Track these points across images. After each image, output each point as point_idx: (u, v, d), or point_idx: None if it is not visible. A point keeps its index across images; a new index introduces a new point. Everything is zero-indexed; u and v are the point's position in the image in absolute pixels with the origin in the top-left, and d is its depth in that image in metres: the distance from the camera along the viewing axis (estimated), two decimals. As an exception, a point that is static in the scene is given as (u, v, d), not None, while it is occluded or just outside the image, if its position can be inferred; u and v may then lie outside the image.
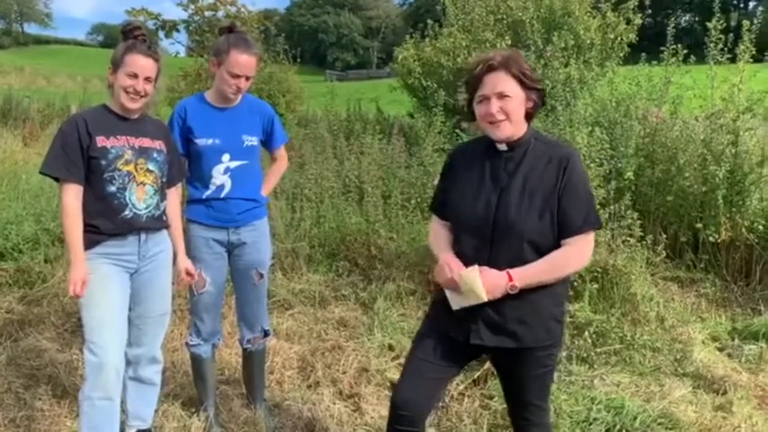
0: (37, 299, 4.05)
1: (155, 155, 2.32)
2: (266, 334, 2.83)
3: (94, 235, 2.22)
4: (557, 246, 1.79)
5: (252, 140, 2.59)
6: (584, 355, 3.30)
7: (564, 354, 3.18)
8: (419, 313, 3.93)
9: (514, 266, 1.75)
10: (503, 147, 1.84)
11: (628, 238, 3.82)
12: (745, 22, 4.47)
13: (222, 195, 2.55)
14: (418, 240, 4.64)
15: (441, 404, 2.88)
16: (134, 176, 2.26)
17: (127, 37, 2.27)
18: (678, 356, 3.35)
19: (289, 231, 4.86)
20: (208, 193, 2.55)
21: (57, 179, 2.22)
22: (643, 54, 5.53)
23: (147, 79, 2.25)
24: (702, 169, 4.41)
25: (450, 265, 1.82)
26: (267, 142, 2.73)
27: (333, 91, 9.60)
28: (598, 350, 3.32)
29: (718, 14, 4.66)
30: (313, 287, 4.31)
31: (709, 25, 4.62)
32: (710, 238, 4.22)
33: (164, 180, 2.37)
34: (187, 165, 2.59)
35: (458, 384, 3.01)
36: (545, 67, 5.91)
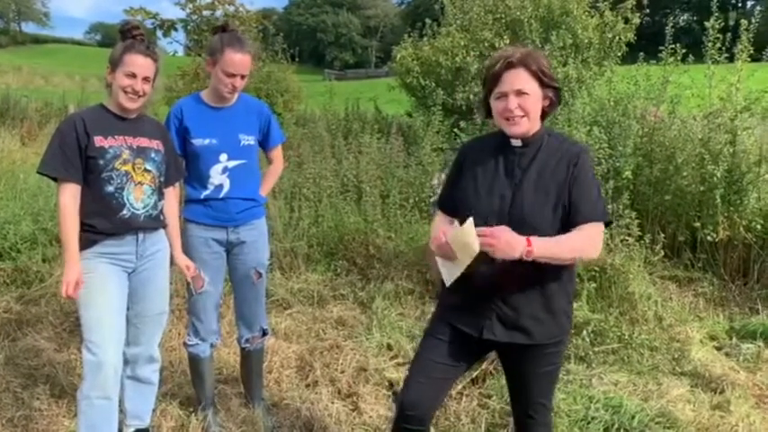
0: (35, 298, 4.05)
1: (152, 155, 2.32)
2: (265, 333, 2.82)
3: (92, 234, 2.21)
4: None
5: (249, 140, 2.59)
6: (583, 354, 3.31)
7: (562, 352, 3.19)
8: (417, 312, 3.93)
9: (529, 264, 1.74)
10: (517, 143, 1.85)
11: (626, 238, 3.82)
12: (743, 22, 4.47)
13: (221, 195, 2.55)
14: (416, 240, 4.64)
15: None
16: (132, 176, 2.25)
17: (125, 36, 2.27)
18: (676, 355, 3.35)
19: (287, 231, 4.86)
20: (206, 193, 2.55)
21: (54, 179, 2.21)
22: (641, 53, 5.54)
23: (146, 79, 2.25)
24: (700, 168, 4.41)
25: (443, 230, 1.82)
26: (264, 142, 2.72)
27: (331, 90, 9.61)
28: (596, 349, 3.33)
29: (717, 14, 4.66)
30: (311, 286, 4.31)
31: (708, 25, 4.62)
32: (708, 238, 4.22)
33: (161, 180, 2.37)
34: (184, 165, 2.59)
35: (456, 383, 3.01)
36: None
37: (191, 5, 8.61)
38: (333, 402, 2.91)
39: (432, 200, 4.86)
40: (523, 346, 1.85)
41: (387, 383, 3.11)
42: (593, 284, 3.62)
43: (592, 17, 7.93)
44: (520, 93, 1.77)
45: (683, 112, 4.97)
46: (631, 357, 3.31)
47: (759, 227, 4.20)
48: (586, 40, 7.64)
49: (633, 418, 2.70)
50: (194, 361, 2.71)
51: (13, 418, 2.72)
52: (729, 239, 4.28)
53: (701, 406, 2.88)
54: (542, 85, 1.80)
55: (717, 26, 4.58)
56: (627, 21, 7.82)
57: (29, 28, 77.91)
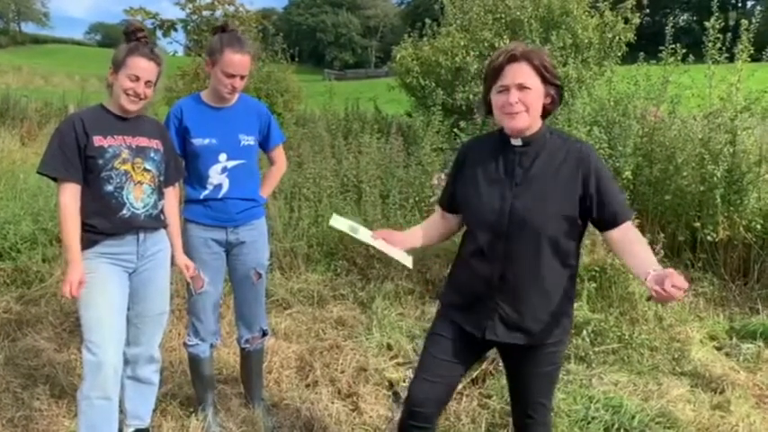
0: (35, 298, 4.04)
1: (152, 154, 2.32)
2: (264, 334, 2.82)
3: (93, 234, 2.22)
4: (572, 240, 1.80)
5: (248, 140, 2.59)
6: (583, 354, 3.31)
7: (563, 352, 3.19)
8: (417, 312, 3.93)
9: (529, 261, 1.77)
10: (517, 142, 1.82)
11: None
12: (744, 22, 4.47)
13: (220, 195, 2.55)
14: (416, 240, 4.63)
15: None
16: (131, 176, 2.25)
17: (129, 38, 2.27)
18: (676, 355, 3.35)
19: (287, 231, 4.85)
20: (206, 193, 2.55)
21: (55, 179, 2.21)
22: (641, 53, 5.54)
23: (148, 83, 2.25)
24: (700, 168, 4.41)
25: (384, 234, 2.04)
26: (264, 142, 2.72)
27: (331, 90, 9.60)
28: (596, 349, 3.33)
29: (717, 14, 4.66)
30: (311, 286, 4.31)
31: (708, 25, 4.62)
32: (708, 238, 4.22)
33: (161, 179, 2.37)
34: (184, 165, 2.59)
35: (461, 381, 3.01)
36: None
37: (190, 6, 8.61)
38: (333, 402, 2.91)
39: (432, 200, 4.86)
40: (525, 347, 1.85)
41: (387, 383, 3.11)
42: (594, 284, 3.62)
43: (592, 17, 7.92)
44: (521, 87, 1.74)
45: (683, 112, 4.96)
46: (631, 357, 3.31)
47: (759, 227, 4.20)
48: (586, 40, 7.64)
49: (633, 418, 2.70)
50: (194, 361, 2.71)
51: (14, 419, 2.72)
52: (729, 239, 4.28)
53: (702, 406, 2.88)
54: (544, 81, 1.77)
55: (717, 26, 4.58)
56: (627, 21, 7.81)
57: (29, 28, 78.00)
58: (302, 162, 5.80)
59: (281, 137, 2.80)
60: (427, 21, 9.20)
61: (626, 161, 4.49)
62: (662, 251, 3.95)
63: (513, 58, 1.75)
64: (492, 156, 1.87)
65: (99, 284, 2.21)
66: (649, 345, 3.38)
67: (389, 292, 4.14)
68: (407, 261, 2.04)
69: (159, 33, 8.53)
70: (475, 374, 3.07)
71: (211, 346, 2.74)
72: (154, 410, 2.60)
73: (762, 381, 3.16)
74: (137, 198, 2.27)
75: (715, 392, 3.02)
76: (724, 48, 4.62)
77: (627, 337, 3.38)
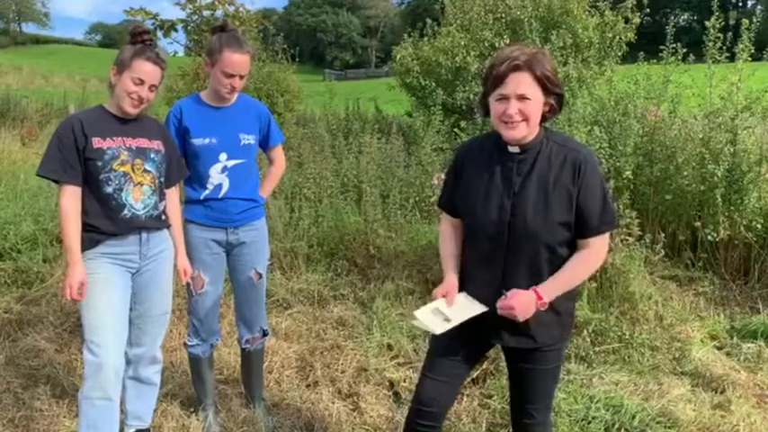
0: (35, 299, 4.05)
1: (152, 155, 2.32)
2: (265, 334, 2.82)
3: (96, 234, 2.22)
4: (572, 243, 1.80)
5: (248, 139, 2.59)
6: (583, 353, 3.31)
7: (564, 351, 3.19)
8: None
9: (532, 269, 1.77)
10: (515, 149, 1.81)
11: (626, 237, 3.82)
12: (745, 21, 4.47)
13: (220, 195, 2.55)
14: (417, 240, 4.64)
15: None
16: (131, 177, 2.25)
17: (134, 39, 2.26)
18: (677, 355, 3.35)
19: (287, 231, 4.85)
20: (206, 193, 2.55)
21: (55, 181, 2.21)
22: (641, 53, 5.53)
23: (152, 87, 2.25)
24: (701, 168, 4.41)
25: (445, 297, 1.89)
26: (263, 142, 2.72)
27: (331, 90, 9.60)
28: (597, 349, 3.33)
29: (717, 13, 4.66)
30: (312, 286, 4.30)
31: (708, 24, 4.62)
32: (709, 237, 4.22)
33: (162, 180, 2.37)
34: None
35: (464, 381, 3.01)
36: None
37: (191, 6, 8.60)
38: (333, 402, 2.91)
39: (432, 199, 4.86)
40: (529, 349, 1.86)
41: (387, 383, 3.11)
42: (594, 284, 3.62)
43: (592, 17, 7.92)
44: (522, 97, 1.72)
45: (683, 112, 4.96)
46: (632, 357, 3.30)
47: (759, 226, 4.19)
48: (587, 40, 7.64)
49: (634, 417, 2.70)
50: (195, 361, 2.72)
51: (14, 419, 2.73)
52: (730, 239, 4.27)
53: (702, 405, 2.87)
54: (546, 91, 1.75)
55: (717, 25, 4.57)
56: (627, 20, 7.81)
57: (29, 28, 78.08)
58: (303, 162, 5.81)
59: (280, 137, 2.80)
60: (428, 20, 9.20)
61: (626, 161, 4.49)
62: (662, 251, 3.95)
63: (516, 68, 1.71)
64: (489, 162, 1.85)
65: (101, 285, 2.21)
66: (650, 344, 3.38)
67: (390, 292, 4.14)
68: (480, 308, 1.86)
69: (159, 33, 8.51)
70: (476, 374, 3.07)
71: (212, 346, 2.74)
72: (154, 411, 2.60)
73: (762, 380, 3.16)
74: (136, 199, 2.27)
75: (716, 392, 3.01)
76: (724, 47, 4.62)
77: (627, 336, 3.37)
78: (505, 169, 1.82)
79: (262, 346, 2.86)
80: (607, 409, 2.76)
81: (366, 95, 12.56)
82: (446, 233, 2.02)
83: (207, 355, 2.71)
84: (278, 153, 2.82)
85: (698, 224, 4.34)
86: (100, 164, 2.20)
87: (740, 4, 52.53)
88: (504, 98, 1.74)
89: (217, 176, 2.53)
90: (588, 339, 3.36)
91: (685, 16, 50.17)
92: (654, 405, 2.82)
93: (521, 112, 1.73)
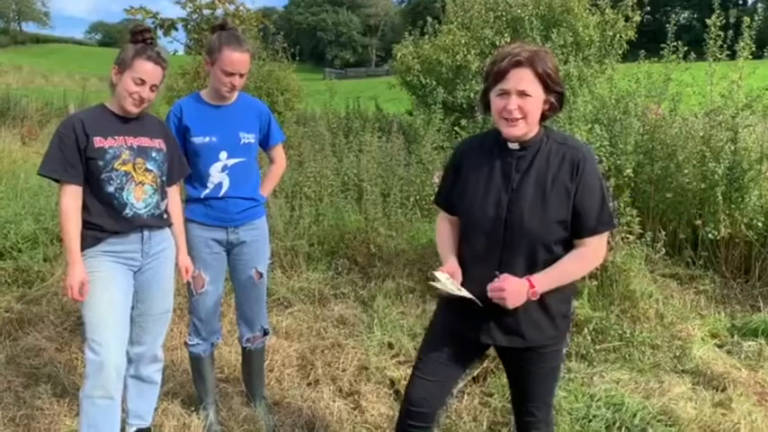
0: (36, 298, 4.05)
1: (153, 154, 2.32)
2: (266, 333, 2.82)
3: (98, 232, 2.22)
4: (569, 245, 1.79)
5: (249, 138, 2.59)
6: (584, 352, 3.31)
7: (563, 351, 3.19)
8: (418, 311, 3.93)
9: (528, 267, 1.76)
10: (514, 146, 1.81)
11: (627, 236, 3.82)
12: (746, 19, 4.46)
13: (221, 194, 2.55)
14: (417, 238, 4.64)
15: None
16: (132, 176, 2.25)
17: (135, 38, 2.26)
18: (677, 353, 3.35)
19: (288, 229, 4.85)
20: (206, 192, 2.55)
21: (56, 180, 2.21)
22: (642, 51, 5.53)
23: (153, 87, 2.25)
24: (701, 166, 4.40)
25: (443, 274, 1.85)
26: (264, 141, 2.72)
27: (331, 89, 9.60)
28: (597, 347, 3.33)
29: (718, 11, 4.65)
30: (312, 285, 4.31)
31: (709, 22, 4.61)
32: (710, 235, 4.22)
33: (163, 179, 2.37)
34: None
35: (458, 382, 3.01)
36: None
37: (191, 4, 8.59)
38: (334, 401, 2.91)
39: (432, 198, 4.86)
40: (523, 348, 1.85)
41: (388, 382, 3.11)
42: (594, 282, 3.62)
43: (593, 15, 7.92)
44: (522, 94, 1.72)
45: (684, 110, 4.96)
46: (633, 355, 3.30)
47: (760, 224, 4.19)
48: (587, 38, 7.63)
49: (634, 415, 2.70)
50: (195, 360, 2.72)
51: (15, 418, 2.73)
52: (731, 237, 4.27)
53: (703, 404, 2.87)
54: (546, 89, 1.75)
55: (718, 23, 4.57)
56: (627, 19, 7.81)
57: (29, 28, 78.11)
58: (303, 161, 5.81)
59: (281, 136, 2.80)
60: (428, 19, 9.20)
61: (627, 159, 4.49)
62: (663, 249, 3.95)
63: (517, 64, 1.72)
64: (489, 159, 1.85)
65: (102, 283, 2.21)
66: (650, 342, 3.38)
67: (390, 291, 4.14)
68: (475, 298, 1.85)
69: (160, 32, 8.50)
70: (476, 373, 3.07)
71: (212, 345, 2.74)
72: (155, 410, 2.61)
73: (763, 378, 3.16)
74: (138, 198, 2.27)
75: (716, 390, 3.01)
76: (725, 45, 4.61)
77: (628, 334, 3.37)
78: (505, 165, 1.82)
79: (262, 345, 2.86)
80: (608, 408, 2.76)
81: (366, 94, 12.55)
82: (443, 230, 2.01)
83: (208, 354, 2.71)
84: (278, 152, 2.82)
85: (698, 222, 4.34)
86: (101, 163, 2.20)
87: (740, 2, 52.45)
88: (505, 93, 1.74)
89: (217, 175, 2.53)
90: (589, 337, 3.36)
91: (686, 14, 50.12)
92: (655, 403, 2.82)
93: (520, 108, 1.73)
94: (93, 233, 2.21)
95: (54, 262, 4.44)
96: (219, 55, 2.42)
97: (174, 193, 2.49)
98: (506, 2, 8.12)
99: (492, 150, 1.86)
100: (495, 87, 1.77)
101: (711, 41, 4.60)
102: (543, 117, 1.82)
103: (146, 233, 2.31)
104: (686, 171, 4.44)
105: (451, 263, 1.88)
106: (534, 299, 1.74)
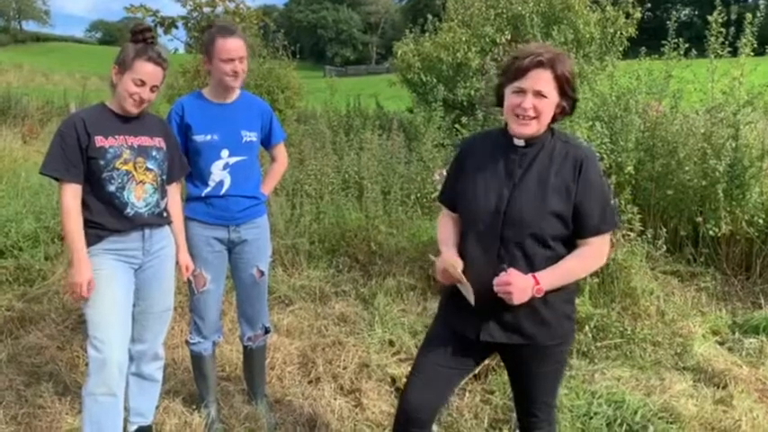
0: (37, 296, 4.05)
1: (154, 153, 2.32)
2: (267, 331, 2.83)
3: (99, 231, 2.22)
4: (567, 242, 1.79)
5: (250, 136, 2.59)
6: (585, 349, 3.31)
7: (566, 353, 3.19)
8: (419, 308, 3.93)
9: (527, 265, 1.75)
10: (520, 142, 1.82)
11: (628, 233, 3.81)
12: (748, 15, 4.45)
13: (222, 193, 2.55)
14: (418, 236, 4.64)
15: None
16: (133, 175, 2.25)
17: (136, 38, 2.25)
18: (678, 350, 3.35)
19: (289, 227, 4.86)
20: (207, 190, 2.55)
21: (57, 179, 2.22)
22: (643, 48, 5.51)
23: (154, 87, 2.25)
24: (702, 163, 4.40)
25: (443, 258, 1.83)
26: (266, 140, 2.72)
27: (332, 87, 9.59)
28: (598, 344, 3.33)
29: (720, 7, 4.64)
30: (313, 283, 4.31)
31: (710, 18, 4.60)
32: (711, 232, 4.22)
33: (163, 178, 2.37)
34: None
35: (458, 385, 3.01)
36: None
37: (191, 2, 8.58)
38: (335, 398, 2.91)
39: (433, 195, 4.86)
40: (524, 347, 1.84)
41: (389, 379, 3.11)
42: (596, 280, 3.62)
43: (593, 12, 7.91)
44: (539, 94, 1.74)
45: (685, 107, 4.95)
46: (634, 352, 3.31)
47: (761, 221, 4.19)
48: (588, 35, 7.63)
49: (636, 413, 2.70)
50: (197, 359, 2.72)
51: (17, 416, 2.73)
52: (732, 234, 4.27)
53: (704, 401, 2.88)
54: (562, 92, 1.78)
55: (719, 20, 4.56)
56: (628, 16, 7.80)
57: (29, 26, 78.12)
58: (304, 159, 5.81)
59: (282, 134, 2.80)
60: (428, 16, 9.19)
61: (628, 156, 4.48)
62: (664, 246, 3.94)
63: (539, 64, 1.74)
64: (493, 155, 1.86)
65: (104, 281, 2.22)
66: (652, 340, 3.38)
67: (391, 289, 4.14)
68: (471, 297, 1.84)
69: (160, 30, 8.49)
70: (477, 370, 3.07)
71: (214, 343, 2.74)
72: (157, 407, 2.61)
73: (764, 375, 3.16)
74: (138, 197, 2.27)
75: (717, 387, 3.01)
76: (727, 42, 4.60)
77: (629, 332, 3.37)
78: (509, 163, 1.83)
79: (264, 343, 2.86)
80: (609, 405, 2.76)
81: (367, 92, 12.54)
82: (446, 225, 2.01)
83: (209, 352, 2.71)
84: (280, 151, 2.82)
85: (699, 219, 4.34)
86: (102, 162, 2.20)
87: (741, -2, 52.27)
88: (522, 91, 1.76)
89: (218, 173, 2.53)
90: (590, 335, 3.35)
91: (687, 11, 50.01)
92: (656, 400, 2.83)
93: (535, 107, 1.75)
94: (94, 231, 2.21)
95: (55, 260, 4.44)
96: (214, 46, 2.44)
97: (174, 192, 2.49)
98: (507, -1, 8.11)
99: (497, 147, 1.87)
100: (513, 84, 1.78)
101: (713, 38, 4.59)
102: (553, 120, 1.83)
103: (146, 231, 2.31)
104: (687, 168, 4.44)
105: (452, 253, 1.88)
106: (539, 296, 1.73)
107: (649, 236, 3.92)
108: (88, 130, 2.19)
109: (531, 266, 1.76)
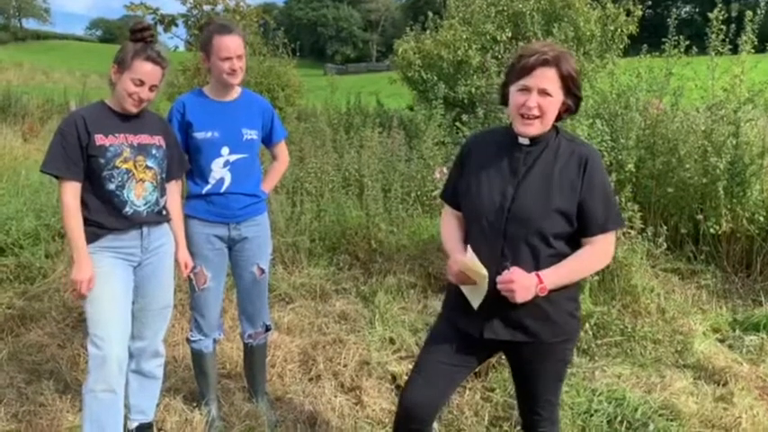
0: (38, 294, 4.05)
1: (153, 151, 2.32)
2: (267, 329, 2.83)
3: (97, 229, 2.23)
4: (570, 240, 1.79)
5: (251, 134, 2.59)
6: (585, 347, 3.31)
7: (570, 352, 3.19)
8: (420, 306, 3.93)
9: (527, 259, 1.75)
10: (524, 140, 1.82)
11: (628, 230, 3.81)
12: (749, 13, 4.44)
13: (222, 190, 2.55)
14: (418, 234, 4.64)
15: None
16: (133, 174, 2.25)
17: (135, 36, 2.25)
18: (679, 348, 3.35)
19: (289, 225, 4.86)
20: (207, 187, 2.55)
21: (57, 177, 2.22)
22: (644, 45, 5.51)
23: (153, 87, 2.25)
24: (703, 161, 4.40)
25: (457, 259, 1.82)
26: (267, 138, 2.72)
27: (332, 84, 9.58)
28: (599, 342, 3.33)
29: (720, 5, 4.63)
30: (314, 281, 4.31)
31: (711, 16, 4.59)
32: (711, 230, 4.21)
33: (163, 176, 2.37)
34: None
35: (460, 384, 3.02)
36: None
37: (191, 0, 8.58)
38: (336, 396, 2.91)
39: (434, 193, 4.86)
40: (527, 344, 1.83)
41: (390, 377, 3.11)
42: (596, 277, 3.62)
43: (594, 9, 7.90)
44: (544, 92, 1.74)
45: (685, 105, 4.94)
46: (634, 350, 3.31)
47: (762, 219, 4.18)
48: (588, 33, 7.62)
49: (636, 410, 2.70)
50: (197, 356, 2.72)
51: (18, 414, 2.74)
52: (732, 232, 4.27)
53: (705, 398, 2.88)
54: (567, 91, 1.77)
55: (720, 17, 4.55)
56: (629, 13, 7.79)
57: (29, 24, 78.07)
58: (304, 157, 5.81)
59: (283, 132, 2.80)
60: (429, 14, 9.18)
61: (628, 154, 4.48)
62: (664, 244, 3.94)
63: (544, 62, 1.73)
64: (497, 152, 1.86)
65: (103, 278, 2.22)
66: (652, 337, 3.38)
67: (392, 286, 4.14)
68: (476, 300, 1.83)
69: (160, 28, 8.49)
70: (478, 368, 3.07)
71: (214, 341, 2.74)
72: (157, 405, 2.61)
73: (765, 373, 3.16)
74: (138, 196, 2.27)
75: (718, 385, 3.02)
76: (727, 39, 4.59)
77: (630, 329, 3.37)
78: (513, 161, 1.82)
79: (264, 341, 2.86)
80: (609, 402, 2.76)
81: (367, 89, 12.54)
82: (449, 224, 2.00)
83: (209, 350, 2.72)
84: (281, 149, 2.82)
85: (700, 217, 4.33)
86: (102, 161, 2.20)
87: (742, -5, 52.17)
88: (527, 90, 1.75)
89: (219, 171, 2.53)
90: (590, 332, 3.36)
91: (687, 8, 49.95)
92: (656, 398, 2.83)
93: (540, 106, 1.74)
94: (92, 229, 2.22)
95: (56, 258, 4.44)
96: (212, 44, 2.44)
97: (174, 189, 2.49)
98: (507, -4, 8.10)
99: (501, 145, 1.87)
100: (518, 82, 1.78)
101: (713, 35, 4.59)
102: (558, 118, 1.83)
103: (144, 230, 2.32)
104: (688, 166, 4.43)
105: (470, 255, 1.85)
106: (542, 294, 1.73)
107: (650, 233, 3.92)
108: (88, 129, 2.19)
109: (534, 264, 1.75)
